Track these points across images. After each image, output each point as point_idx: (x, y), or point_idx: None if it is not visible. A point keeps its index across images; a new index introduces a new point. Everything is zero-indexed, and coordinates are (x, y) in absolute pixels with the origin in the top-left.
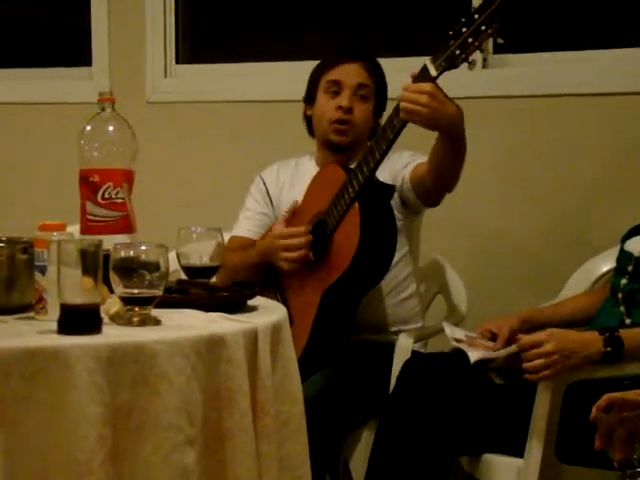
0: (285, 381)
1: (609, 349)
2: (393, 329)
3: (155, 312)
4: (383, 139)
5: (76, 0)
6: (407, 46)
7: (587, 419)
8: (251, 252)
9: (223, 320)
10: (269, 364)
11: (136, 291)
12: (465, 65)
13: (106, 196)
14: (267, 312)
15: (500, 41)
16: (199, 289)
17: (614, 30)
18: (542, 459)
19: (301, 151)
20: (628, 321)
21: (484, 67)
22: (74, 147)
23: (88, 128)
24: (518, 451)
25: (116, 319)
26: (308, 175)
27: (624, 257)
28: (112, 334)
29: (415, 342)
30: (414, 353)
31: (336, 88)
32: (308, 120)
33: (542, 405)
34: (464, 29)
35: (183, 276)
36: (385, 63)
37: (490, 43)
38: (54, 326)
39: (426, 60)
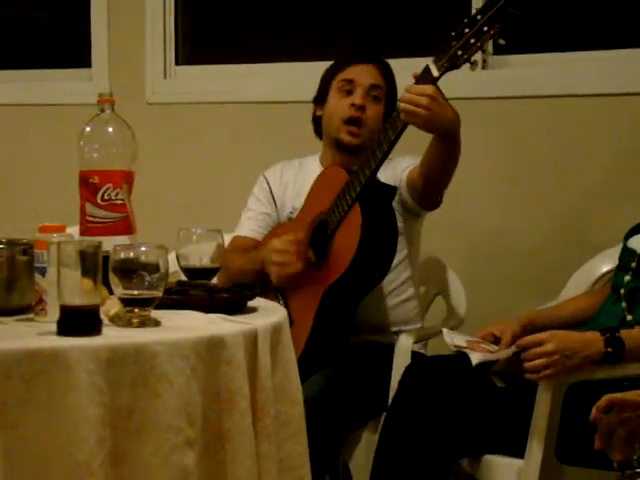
0: (285, 382)
1: (610, 349)
2: (393, 330)
3: (155, 313)
4: (385, 140)
5: (76, 2)
6: (409, 46)
7: (587, 420)
8: (251, 259)
9: (223, 321)
10: (269, 365)
11: (136, 292)
12: (466, 66)
13: (106, 197)
14: (267, 313)
15: (502, 42)
16: (199, 290)
17: (613, 31)
18: (542, 460)
19: (301, 152)
20: (629, 318)
21: (484, 68)
22: (74, 148)
23: (88, 129)
24: (518, 452)
25: (116, 320)
26: (312, 175)
27: (627, 254)
28: (112, 335)
29: (415, 343)
30: (414, 354)
31: (349, 87)
32: (317, 121)
33: (542, 405)
34: (466, 30)
35: (183, 277)
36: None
37: (490, 44)
38: (54, 327)
39: (428, 61)
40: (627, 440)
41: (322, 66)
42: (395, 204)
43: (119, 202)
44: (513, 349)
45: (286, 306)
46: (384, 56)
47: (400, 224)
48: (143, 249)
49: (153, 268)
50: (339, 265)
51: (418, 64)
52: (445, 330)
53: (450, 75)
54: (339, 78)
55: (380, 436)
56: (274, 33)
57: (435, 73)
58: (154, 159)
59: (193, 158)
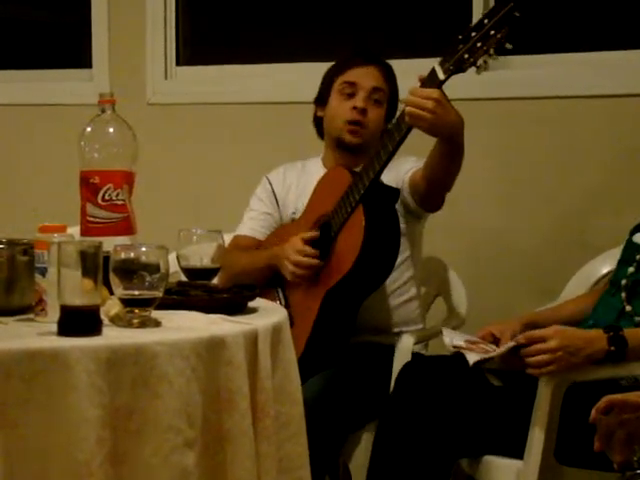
0: (285, 383)
1: (612, 348)
2: (394, 330)
3: (155, 314)
4: (390, 142)
5: (77, 2)
6: (409, 47)
7: (587, 421)
8: (260, 256)
9: (223, 322)
10: (269, 366)
11: (136, 293)
12: (472, 70)
13: (106, 197)
14: (267, 314)
15: (509, 46)
16: (199, 291)
17: (616, 32)
18: (542, 461)
19: (302, 153)
20: (628, 308)
21: (486, 69)
22: (74, 149)
23: (88, 130)
24: (518, 453)
25: (116, 321)
26: (315, 177)
27: (632, 248)
28: (112, 336)
29: (416, 344)
30: (414, 355)
31: (351, 90)
32: (318, 121)
33: (543, 404)
34: (473, 33)
35: (183, 278)
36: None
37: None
38: (54, 328)
39: (434, 63)
40: (627, 441)
41: (323, 67)
42: (397, 206)
43: (120, 202)
44: (512, 344)
45: (287, 306)
46: (385, 57)
47: (402, 225)
48: (144, 249)
49: (153, 268)
50: (341, 266)
51: (418, 65)
52: (445, 330)
53: (454, 76)
54: (340, 80)
55: (376, 437)
56: (275, 34)
57: (441, 76)
58: (155, 160)
59: (194, 159)
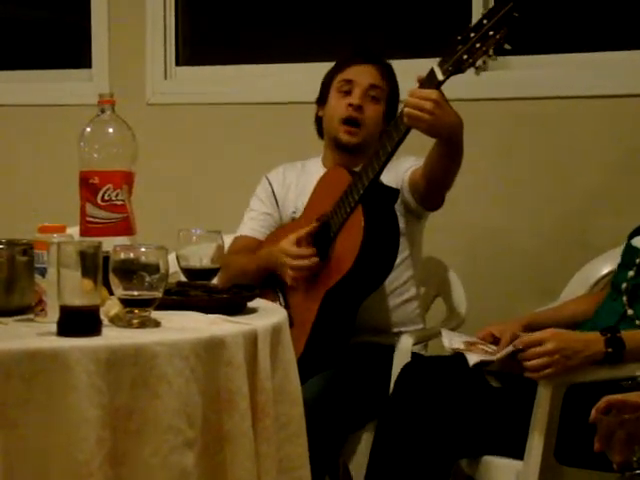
0: (285, 383)
1: (610, 350)
2: (394, 330)
3: (155, 314)
4: (389, 142)
5: (76, 2)
6: (409, 47)
7: (586, 421)
8: (257, 258)
9: (223, 322)
10: (269, 366)
11: (136, 293)
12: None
13: (106, 198)
14: (267, 314)
15: (507, 47)
16: (199, 291)
17: (616, 33)
18: (542, 461)
19: (302, 153)
20: (630, 312)
21: (485, 70)
22: (74, 149)
23: (88, 130)
24: (517, 453)
25: (116, 321)
26: (314, 177)
27: (631, 252)
28: (112, 336)
29: (415, 344)
30: (414, 356)
31: (348, 87)
32: (319, 121)
33: (542, 405)
34: (472, 34)
35: (183, 278)
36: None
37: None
38: (54, 328)
39: (433, 64)
40: (627, 442)
41: (323, 67)
42: (397, 205)
43: (119, 203)
44: (511, 348)
45: (286, 307)
46: (385, 57)
47: (402, 225)
48: (143, 250)
49: (153, 269)
50: (341, 267)
51: (419, 65)
52: (444, 331)
53: (453, 76)
54: (339, 78)
55: (376, 436)
56: (275, 34)
57: (440, 77)
58: (154, 160)
59: (193, 159)
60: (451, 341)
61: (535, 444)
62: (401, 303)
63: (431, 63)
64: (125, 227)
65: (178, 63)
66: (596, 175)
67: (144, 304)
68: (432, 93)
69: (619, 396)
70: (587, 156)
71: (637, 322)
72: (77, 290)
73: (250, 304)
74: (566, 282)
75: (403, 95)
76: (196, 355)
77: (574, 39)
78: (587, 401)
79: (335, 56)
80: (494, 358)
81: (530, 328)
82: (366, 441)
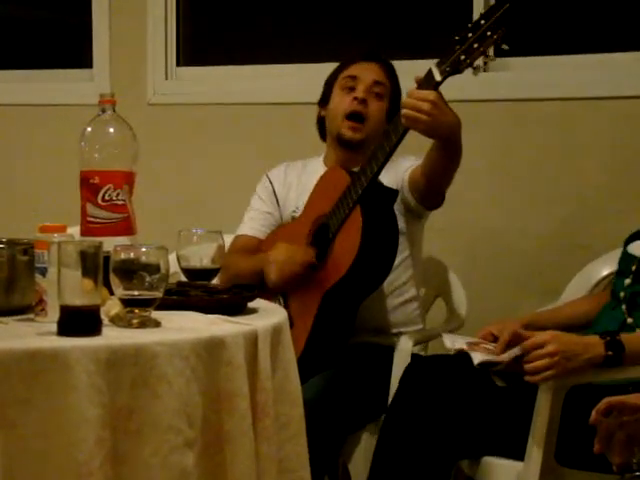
0: (285, 383)
1: (610, 353)
2: (393, 331)
3: (155, 314)
4: (387, 142)
5: (77, 2)
6: (410, 48)
7: (587, 423)
8: (254, 261)
9: (223, 322)
10: (269, 366)
11: (136, 293)
12: (468, 70)
13: (106, 198)
14: (267, 314)
15: (505, 47)
16: (199, 291)
17: (616, 34)
18: (542, 463)
19: (303, 153)
20: (630, 320)
21: (484, 70)
22: (75, 149)
23: (89, 130)
24: (518, 454)
25: (116, 321)
26: (315, 176)
27: (627, 259)
28: (112, 336)
29: (415, 345)
30: (414, 356)
31: (352, 83)
32: (321, 122)
33: (543, 408)
34: (470, 34)
35: (183, 278)
36: None
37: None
38: (54, 328)
39: (431, 64)
40: (626, 443)
41: (325, 68)
42: (397, 205)
43: (120, 203)
44: (516, 352)
45: (286, 307)
46: (387, 58)
47: (402, 225)
48: (144, 250)
49: (154, 269)
50: (339, 267)
51: (420, 66)
52: (445, 335)
53: (451, 77)
54: (342, 75)
55: (379, 436)
56: (276, 34)
57: (438, 77)
58: (155, 160)
59: (194, 159)
60: (453, 342)
61: (535, 446)
62: (401, 303)
63: (432, 64)
64: (126, 227)
65: (179, 63)
66: (596, 176)
67: (144, 304)
68: (430, 94)
69: (619, 398)
70: (586, 157)
71: (637, 330)
72: (77, 290)
73: (250, 304)
74: (566, 283)
75: (404, 96)
76: (196, 355)
77: (572, 40)
78: (587, 403)
79: (336, 56)
80: (499, 359)
81: (530, 328)
82: (365, 441)
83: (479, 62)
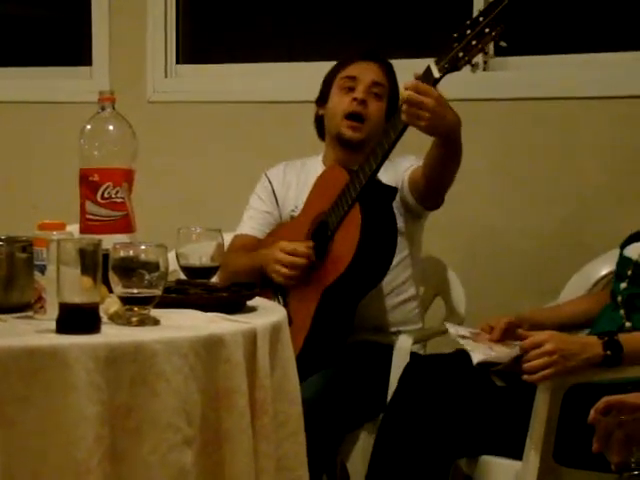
0: (283, 381)
1: (609, 353)
2: (392, 330)
3: (154, 312)
4: (386, 139)
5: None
6: (410, 47)
7: (585, 422)
8: (251, 257)
9: (222, 320)
10: (268, 364)
11: (135, 291)
12: (466, 67)
13: (106, 195)
14: (266, 313)
15: (503, 44)
16: (198, 289)
17: (616, 33)
18: (540, 462)
19: (303, 152)
20: (628, 325)
21: (485, 69)
22: (74, 146)
23: (88, 127)
24: (517, 453)
25: (115, 319)
26: (315, 175)
27: (623, 262)
28: (111, 334)
29: (414, 343)
30: (413, 355)
31: (351, 83)
32: (319, 121)
33: (541, 407)
34: (468, 31)
35: (182, 276)
36: None
37: (491, 45)
38: (53, 325)
39: (430, 62)
40: (625, 442)
41: (324, 66)
42: (396, 204)
43: (119, 200)
44: (517, 351)
45: (285, 305)
46: (386, 56)
47: (401, 224)
48: (143, 248)
49: (153, 267)
50: (338, 265)
51: (420, 65)
52: (448, 323)
53: (451, 76)
54: (341, 75)
55: (378, 435)
56: (276, 33)
57: (436, 74)
58: (154, 158)
59: (194, 157)
60: (457, 330)
61: (534, 445)
62: (400, 303)
63: (431, 61)
64: (125, 225)
65: (179, 61)
66: (596, 175)
67: (143, 302)
68: (432, 90)
69: (618, 397)
70: (586, 156)
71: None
72: (76, 287)
73: (249, 303)
74: (565, 282)
75: (402, 89)
76: (195, 353)
77: (573, 40)
78: (586, 402)
79: (336, 56)
80: (498, 359)
81: (528, 323)
82: (364, 440)
83: (477, 59)
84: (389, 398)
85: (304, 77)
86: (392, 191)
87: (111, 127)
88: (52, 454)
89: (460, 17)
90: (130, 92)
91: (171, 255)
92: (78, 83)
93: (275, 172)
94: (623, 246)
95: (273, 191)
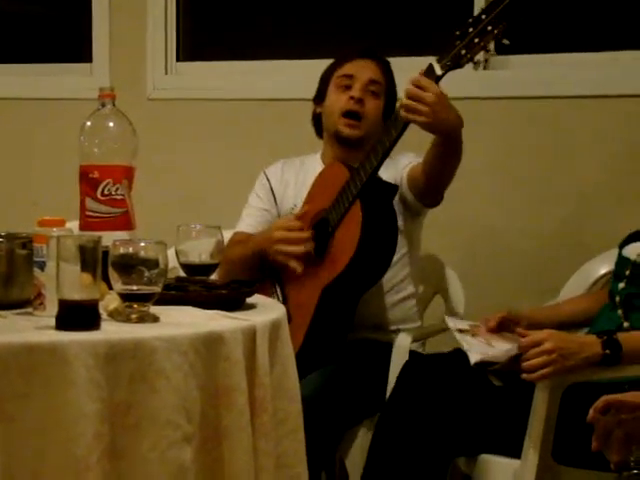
0: (283, 379)
1: (608, 352)
2: (391, 328)
3: (154, 309)
4: (387, 137)
5: None
6: (410, 45)
7: (584, 421)
8: (245, 245)
9: (222, 317)
10: (267, 362)
11: (135, 288)
12: (468, 66)
13: (106, 192)
14: (266, 310)
15: (505, 42)
16: (198, 286)
17: (616, 32)
18: (539, 461)
19: (302, 149)
20: (626, 324)
21: (486, 68)
22: (74, 143)
23: (88, 124)
24: (515, 452)
25: (115, 315)
26: (313, 173)
27: (622, 262)
28: (110, 330)
29: (413, 342)
30: (412, 353)
31: (348, 82)
32: (317, 119)
33: (540, 406)
34: (470, 29)
35: (182, 273)
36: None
37: (492, 44)
38: (52, 322)
39: (432, 59)
40: (624, 441)
41: (323, 64)
42: (395, 202)
43: (119, 197)
44: (515, 350)
45: (285, 302)
46: (386, 54)
47: (400, 222)
48: (142, 244)
49: (152, 264)
50: (338, 262)
51: (421, 63)
52: (447, 317)
53: (452, 74)
54: (338, 74)
55: (375, 433)
56: (276, 30)
57: (438, 72)
58: (154, 155)
59: (193, 154)
60: (455, 323)
61: (532, 444)
62: (399, 301)
63: (433, 59)
64: (125, 222)
65: (179, 58)
66: (595, 174)
67: (143, 299)
68: (434, 86)
69: (617, 396)
70: (586, 155)
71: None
72: (76, 284)
73: (249, 300)
74: (564, 281)
75: (401, 92)
76: (194, 350)
77: (573, 38)
78: (585, 401)
79: (336, 53)
80: (496, 359)
81: (527, 320)
82: (363, 438)
83: (480, 57)
84: (388, 396)
85: (304, 75)
86: (393, 188)
87: (111, 124)
88: (51, 451)
89: (461, 15)
90: (130, 89)
91: (171, 252)
92: (78, 80)
93: (273, 170)
94: (622, 246)
95: (271, 189)
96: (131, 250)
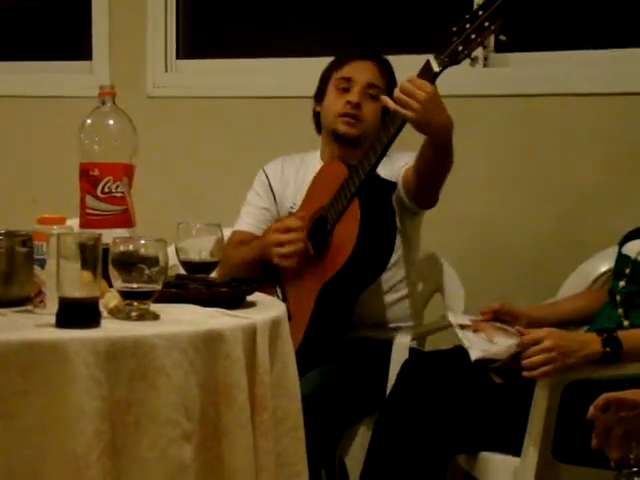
0: (283, 377)
1: (608, 349)
2: (391, 326)
3: (154, 307)
4: (385, 135)
5: None
6: (409, 43)
7: (584, 418)
8: (249, 249)
9: (222, 315)
10: (267, 360)
11: (135, 285)
12: (466, 63)
13: (106, 190)
14: (266, 308)
15: (502, 38)
16: (198, 284)
17: (616, 30)
18: (539, 458)
19: (302, 147)
20: (626, 323)
21: (485, 66)
22: (74, 141)
23: (88, 122)
24: (515, 450)
25: (115, 313)
26: (313, 171)
27: (622, 260)
28: (111, 328)
29: (413, 340)
30: (412, 351)
31: (346, 85)
32: (317, 117)
33: (540, 403)
34: (467, 25)
35: (182, 271)
36: None
37: (492, 41)
38: (52, 319)
39: (429, 56)
40: (624, 439)
41: (323, 62)
42: (393, 203)
43: (119, 195)
44: (514, 347)
45: (284, 300)
46: (385, 52)
47: (398, 222)
48: (143, 242)
49: (152, 261)
50: (338, 260)
51: (420, 61)
52: (449, 312)
53: (451, 72)
54: (337, 76)
55: (374, 431)
56: (275, 28)
57: (436, 68)
58: (154, 152)
59: (193, 152)
60: (457, 319)
61: (532, 441)
62: (398, 299)
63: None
64: (125, 219)
65: (179, 56)
66: (594, 172)
67: (143, 296)
68: (428, 85)
69: (617, 393)
70: (585, 154)
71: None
72: (76, 282)
73: (249, 298)
74: (564, 279)
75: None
76: (194, 348)
77: (572, 36)
78: (585, 398)
79: (336, 51)
80: (496, 356)
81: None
82: (362, 436)
83: (477, 53)
84: (388, 394)
85: (304, 72)
86: (391, 186)
87: (111, 122)
88: (51, 448)
89: (461, 12)
90: (130, 87)
91: (171, 250)
92: (78, 78)
93: (273, 167)
94: (621, 244)
95: (270, 187)
96: (131, 248)
